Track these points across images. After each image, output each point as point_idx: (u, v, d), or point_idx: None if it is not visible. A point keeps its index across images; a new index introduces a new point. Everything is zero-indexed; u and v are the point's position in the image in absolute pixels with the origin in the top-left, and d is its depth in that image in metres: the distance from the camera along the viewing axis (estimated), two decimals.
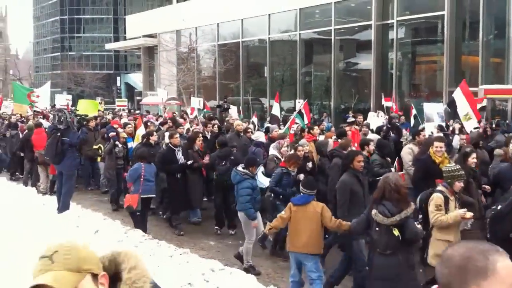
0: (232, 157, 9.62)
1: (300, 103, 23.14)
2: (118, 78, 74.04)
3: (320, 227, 6.06)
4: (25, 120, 17.34)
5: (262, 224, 7.61)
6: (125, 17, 56.57)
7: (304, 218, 6.07)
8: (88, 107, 16.36)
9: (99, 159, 13.02)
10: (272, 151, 9.43)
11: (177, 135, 10.03)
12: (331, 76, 26.12)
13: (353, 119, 14.55)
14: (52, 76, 74.11)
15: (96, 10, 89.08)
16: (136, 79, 63.38)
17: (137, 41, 40.63)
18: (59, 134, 10.41)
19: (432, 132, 11.08)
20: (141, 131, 12.19)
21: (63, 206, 10.40)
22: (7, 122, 16.90)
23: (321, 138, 10.83)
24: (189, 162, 9.58)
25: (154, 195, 9.39)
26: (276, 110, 15.85)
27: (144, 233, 8.25)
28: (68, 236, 8.58)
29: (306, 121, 14.38)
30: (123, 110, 26.71)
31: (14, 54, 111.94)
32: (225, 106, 18.44)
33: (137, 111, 23.88)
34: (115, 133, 12.09)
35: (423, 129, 10.95)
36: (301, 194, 6.31)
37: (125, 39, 49.85)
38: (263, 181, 8.61)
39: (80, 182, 13.72)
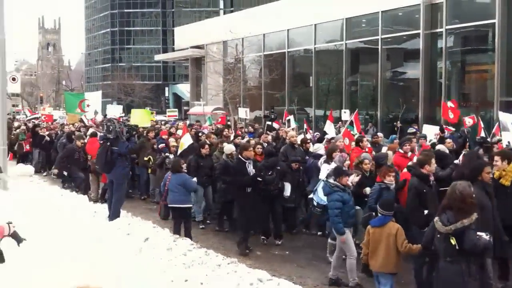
0: (279, 167, 9.65)
1: (345, 113, 23.07)
2: (166, 88, 75.60)
3: (396, 247, 6.10)
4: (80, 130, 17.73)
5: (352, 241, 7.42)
6: (173, 29, 57.79)
7: (381, 239, 6.16)
8: (142, 117, 16.66)
9: (149, 170, 13.18)
10: (333, 165, 8.79)
11: (251, 148, 9.55)
12: (377, 85, 25.88)
13: (415, 130, 14.20)
14: (102, 86, 76.30)
15: (146, 22, 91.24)
16: (183, 89, 64.55)
17: (185, 52, 41.39)
18: (108, 143, 10.78)
19: (509, 142, 10.75)
20: (185, 139, 12.37)
21: (114, 214, 10.68)
22: (61, 131, 17.43)
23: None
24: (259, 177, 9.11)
25: (183, 205, 9.23)
26: (329, 129, 15.09)
27: (192, 241, 8.41)
28: (119, 243, 8.85)
29: (355, 131, 14.15)
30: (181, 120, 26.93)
31: (67, 65, 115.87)
32: (272, 116, 18.54)
33: (187, 121, 24.19)
34: (164, 145, 12.21)
35: (498, 141, 10.60)
36: (379, 215, 6.33)
37: (173, 50, 50.97)
38: (324, 197, 8.12)
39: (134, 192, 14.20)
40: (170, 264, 7.49)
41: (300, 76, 32.72)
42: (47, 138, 17.38)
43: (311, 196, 8.58)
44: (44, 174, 18.09)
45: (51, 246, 8.45)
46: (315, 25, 29.09)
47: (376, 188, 7.54)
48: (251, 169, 9.12)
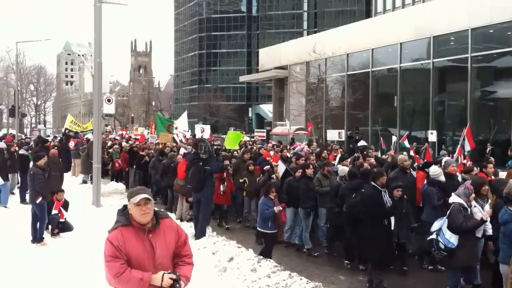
0: (363, 190, 9.29)
1: (432, 134, 22.40)
2: (250, 108, 76.93)
3: None
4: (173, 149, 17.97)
5: None
6: (258, 50, 58.90)
7: None
8: (234, 139, 16.83)
9: (244, 193, 12.90)
10: (456, 198, 7.26)
11: (385, 176, 8.57)
12: (466, 105, 24.99)
13: None
14: (189, 107, 78.90)
15: (231, 45, 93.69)
16: (266, 109, 65.40)
17: (268, 73, 42.06)
18: (201, 163, 11.16)
19: None
20: (279, 167, 12.16)
21: (200, 233, 11.00)
22: (158, 151, 17.79)
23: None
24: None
25: (264, 230, 9.02)
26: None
27: (276, 263, 8.48)
28: (204, 262, 9.12)
29: (468, 148, 13.50)
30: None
31: (156, 86, 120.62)
32: (357, 137, 18.35)
33: (273, 142, 24.21)
34: (269, 166, 11.96)
35: None
36: None
37: (257, 71, 51.92)
38: (451, 238, 7.11)
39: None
40: (254, 286, 7.62)
41: (384, 95, 32.24)
42: (147, 159, 17.97)
43: (432, 237, 7.41)
44: None
45: None
46: (401, 43, 28.66)
47: None
48: (387, 199, 8.28)
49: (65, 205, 11.61)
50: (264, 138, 28.17)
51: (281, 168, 12.12)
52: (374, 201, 8.15)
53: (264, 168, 11.97)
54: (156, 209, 4.22)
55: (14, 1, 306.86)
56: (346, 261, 9.46)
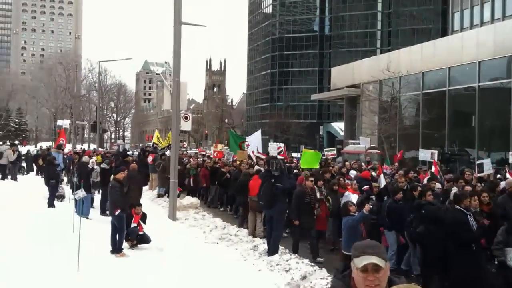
0: (423, 211, 8.86)
1: None
2: (321, 127, 76.62)
3: None
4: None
5: None
6: (329, 68, 58.78)
7: None
8: (311, 159, 16.63)
9: None
10: None
11: (468, 198, 8.10)
12: None
13: None
14: (261, 124, 79.72)
15: (303, 63, 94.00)
16: (337, 127, 64.94)
17: (340, 92, 41.89)
18: (273, 180, 11.34)
19: None
20: (380, 180, 11.87)
21: (272, 250, 11.13)
22: (236, 169, 17.77)
23: None
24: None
25: (349, 253, 8.71)
26: None
27: None
28: (277, 279, 9.23)
29: None
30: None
31: (229, 104, 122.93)
32: (446, 157, 17.66)
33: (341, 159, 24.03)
34: (368, 186, 11.64)
35: None
36: None
37: (328, 89, 51.84)
38: None
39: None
40: None
41: (462, 115, 31.26)
42: (228, 176, 18.11)
43: None
44: (221, 209, 18.68)
45: (213, 274, 9.14)
46: (479, 62, 27.78)
47: None
48: (473, 222, 7.75)
49: (143, 217, 12.09)
50: (335, 156, 27.68)
51: (382, 182, 11.72)
52: (458, 225, 7.58)
53: (363, 188, 11.57)
54: (392, 276, 2.94)
55: (97, 23, 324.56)
56: None
